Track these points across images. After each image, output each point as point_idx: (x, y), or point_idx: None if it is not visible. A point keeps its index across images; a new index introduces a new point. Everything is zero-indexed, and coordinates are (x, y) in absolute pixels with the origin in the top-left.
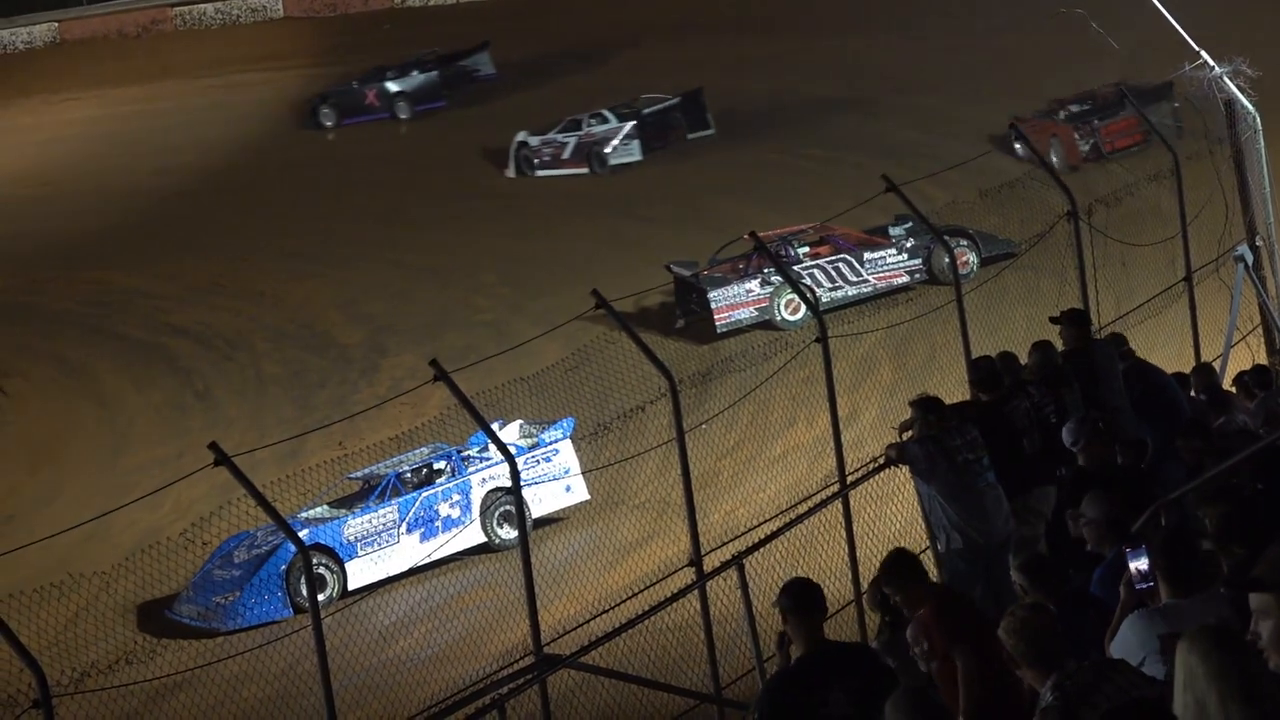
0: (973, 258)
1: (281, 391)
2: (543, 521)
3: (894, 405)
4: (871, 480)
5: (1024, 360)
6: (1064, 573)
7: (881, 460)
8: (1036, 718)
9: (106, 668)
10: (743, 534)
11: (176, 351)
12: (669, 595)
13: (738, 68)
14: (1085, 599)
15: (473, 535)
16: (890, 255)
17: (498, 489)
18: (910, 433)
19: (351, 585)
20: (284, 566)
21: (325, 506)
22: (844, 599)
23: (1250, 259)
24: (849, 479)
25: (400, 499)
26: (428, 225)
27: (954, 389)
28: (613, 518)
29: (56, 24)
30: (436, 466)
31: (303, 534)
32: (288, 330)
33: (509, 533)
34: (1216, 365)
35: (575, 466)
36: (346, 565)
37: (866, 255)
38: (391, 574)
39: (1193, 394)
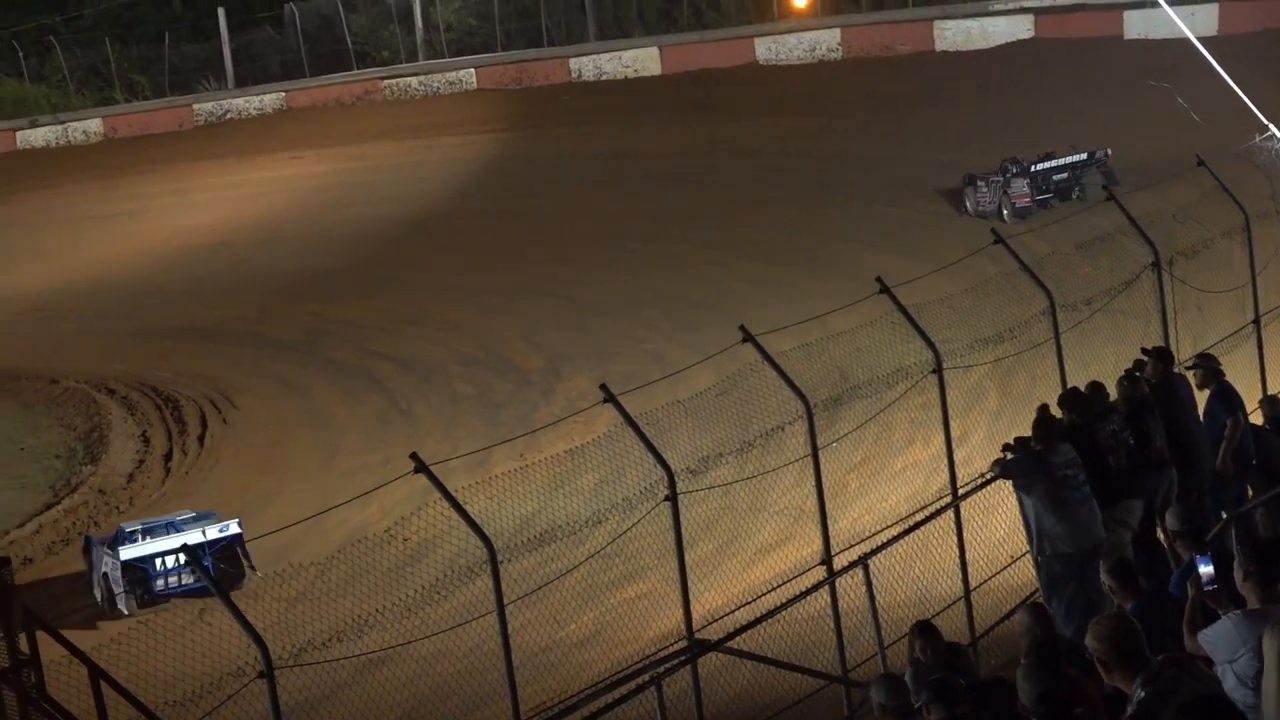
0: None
1: (471, 409)
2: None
3: (1000, 428)
4: (979, 493)
5: (1111, 390)
6: (1147, 575)
7: (988, 475)
8: (1131, 709)
9: (321, 644)
10: (868, 537)
11: (381, 374)
12: (803, 590)
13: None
14: (1165, 598)
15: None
16: None
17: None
18: (1009, 453)
19: None
20: None
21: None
22: (955, 595)
23: None
24: (960, 492)
25: None
26: (598, 266)
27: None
28: (755, 522)
29: (284, 93)
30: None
31: None
32: (477, 356)
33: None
34: None
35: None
36: None
37: None
38: None
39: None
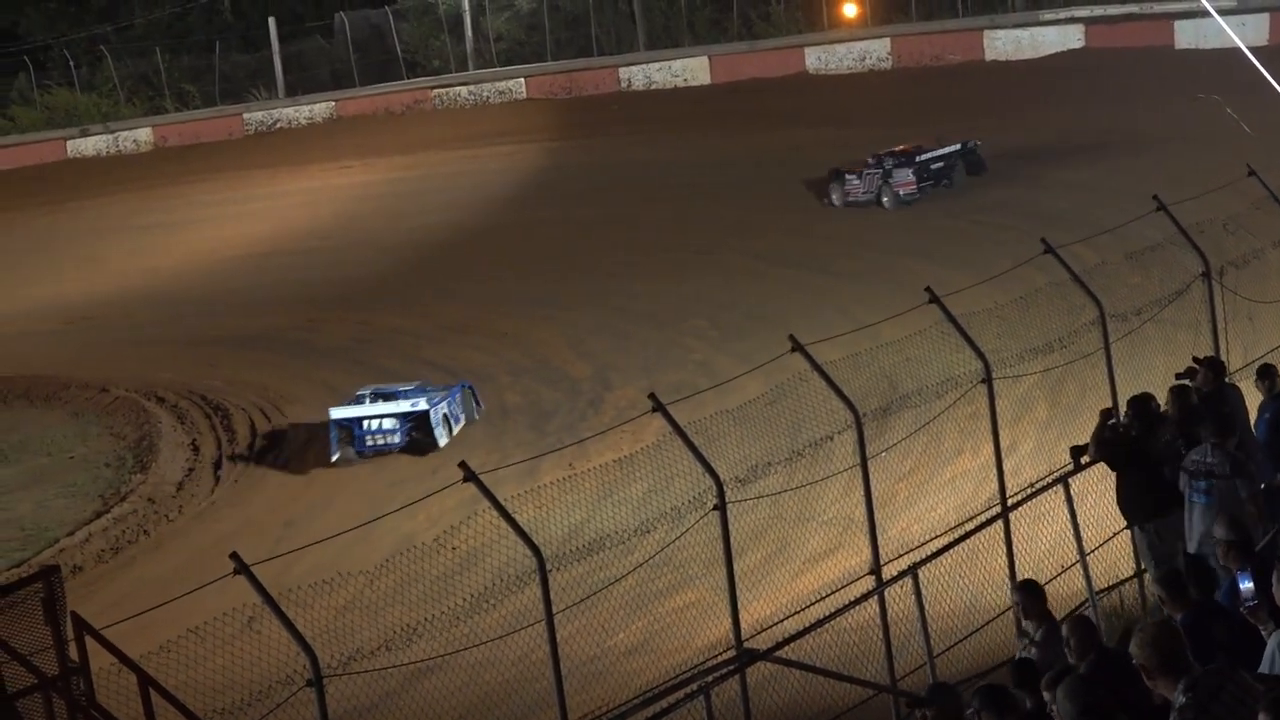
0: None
1: (520, 418)
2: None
3: (1049, 437)
4: (1028, 503)
5: (1162, 400)
6: (1196, 585)
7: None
8: (1174, 716)
9: (370, 653)
10: (917, 547)
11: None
12: (852, 599)
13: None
14: (1215, 609)
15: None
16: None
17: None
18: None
19: None
20: None
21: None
22: (1003, 605)
23: None
24: (1009, 502)
25: None
26: (647, 275)
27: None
28: (804, 531)
29: (334, 103)
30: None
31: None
32: (526, 366)
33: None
34: None
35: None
36: None
37: None
38: None
39: None
